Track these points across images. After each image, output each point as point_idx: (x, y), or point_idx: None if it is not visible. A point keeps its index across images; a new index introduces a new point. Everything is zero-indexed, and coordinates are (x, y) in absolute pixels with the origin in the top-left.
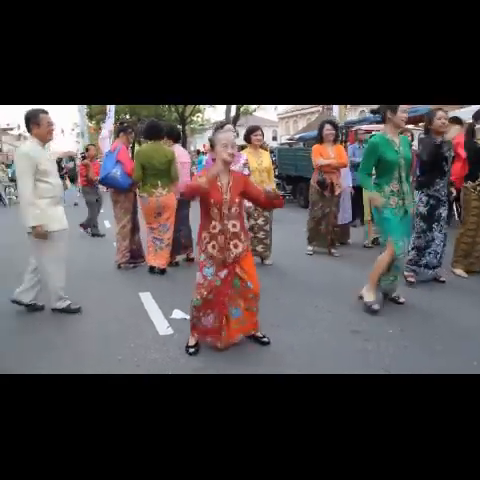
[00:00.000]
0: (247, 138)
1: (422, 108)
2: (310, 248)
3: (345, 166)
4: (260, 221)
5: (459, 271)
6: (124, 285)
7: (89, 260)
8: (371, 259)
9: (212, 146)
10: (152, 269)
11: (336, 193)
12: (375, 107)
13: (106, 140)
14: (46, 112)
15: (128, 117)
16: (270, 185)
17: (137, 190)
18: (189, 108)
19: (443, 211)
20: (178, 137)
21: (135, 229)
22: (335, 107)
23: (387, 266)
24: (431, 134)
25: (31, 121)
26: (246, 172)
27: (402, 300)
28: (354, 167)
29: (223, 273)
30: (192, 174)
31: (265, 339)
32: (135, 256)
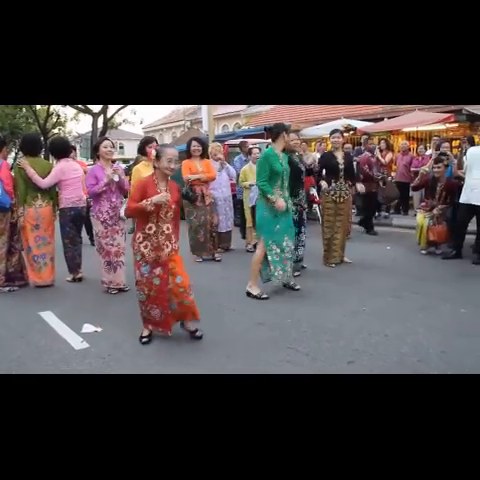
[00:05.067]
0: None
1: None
2: (197, 257)
3: (213, 179)
4: None
5: (327, 263)
6: (19, 307)
7: None
8: None
9: (158, 157)
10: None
11: (207, 203)
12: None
13: None
14: None
15: None
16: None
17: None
18: (51, 120)
19: (303, 216)
20: (63, 151)
21: (12, 251)
22: (205, 122)
23: (262, 261)
24: (287, 152)
25: None
26: (116, 178)
27: (298, 287)
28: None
29: (158, 270)
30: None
31: (198, 333)
32: (12, 278)
